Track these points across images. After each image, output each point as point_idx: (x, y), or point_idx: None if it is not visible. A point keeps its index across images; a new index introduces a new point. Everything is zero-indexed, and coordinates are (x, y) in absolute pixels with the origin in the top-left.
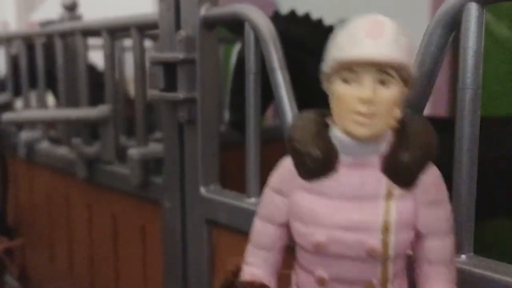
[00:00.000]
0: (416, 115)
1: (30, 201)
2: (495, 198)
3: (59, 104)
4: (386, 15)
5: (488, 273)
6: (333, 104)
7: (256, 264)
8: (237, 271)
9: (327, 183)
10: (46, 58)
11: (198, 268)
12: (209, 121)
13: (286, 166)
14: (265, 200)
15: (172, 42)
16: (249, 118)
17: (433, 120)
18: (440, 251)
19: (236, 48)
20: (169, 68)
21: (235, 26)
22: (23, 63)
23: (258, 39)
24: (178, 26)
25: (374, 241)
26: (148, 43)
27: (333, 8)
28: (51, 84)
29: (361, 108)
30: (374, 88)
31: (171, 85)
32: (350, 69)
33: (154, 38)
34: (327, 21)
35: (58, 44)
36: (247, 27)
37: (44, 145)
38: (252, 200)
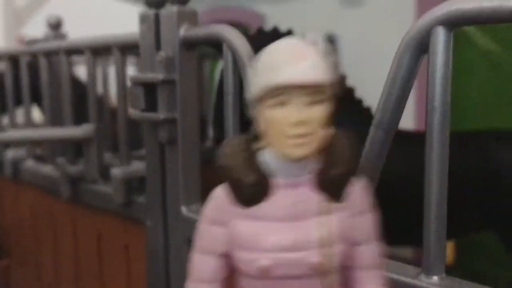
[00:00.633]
0: (340, 131)
1: (16, 219)
2: (482, 212)
3: (45, 119)
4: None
5: None
6: (265, 129)
7: None
8: None
9: (263, 207)
10: (31, 73)
11: (181, 287)
12: (190, 141)
13: (219, 195)
14: (202, 232)
15: (152, 62)
16: (228, 137)
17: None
18: (371, 256)
19: (220, 64)
20: (150, 89)
21: (217, 44)
22: (8, 81)
23: (236, 60)
24: (158, 47)
25: (314, 257)
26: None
27: (320, 21)
28: (37, 98)
29: (295, 131)
30: (304, 109)
31: (151, 105)
32: (278, 93)
33: (137, 54)
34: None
35: (43, 63)
36: (225, 48)
37: (30, 163)
38: None
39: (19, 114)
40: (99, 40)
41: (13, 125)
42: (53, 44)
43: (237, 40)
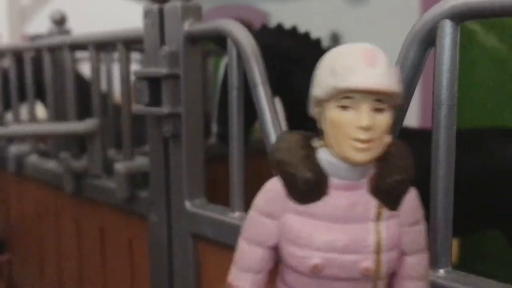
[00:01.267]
0: (397, 141)
1: (20, 215)
2: (485, 211)
3: (49, 115)
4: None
5: None
6: (328, 130)
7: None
8: None
9: (319, 205)
10: (35, 69)
11: (184, 281)
12: (194, 135)
13: (274, 188)
14: (252, 222)
15: (156, 57)
16: (232, 133)
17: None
18: (420, 267)
19: (224, 61)
20: (154, 83)
21: (221, 40)
22: (13, 76)
23: (240, 54)
24: (162, 41)
25: (367, 262)
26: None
27: (324, 19)
28: (41, 94)
29: (361, 135)
30: (372, 115)
31: (156, 100)
32: (347, 96)
33: (143, 51)
34: (316, 33)
35: (47, 58)
36: (229, 43)
37: (33, 159)
38: (236, 214)
39: (23, 111)
40: (103, 35)
41: (17, 121)
42: (57, 39)
43: (242, 35)
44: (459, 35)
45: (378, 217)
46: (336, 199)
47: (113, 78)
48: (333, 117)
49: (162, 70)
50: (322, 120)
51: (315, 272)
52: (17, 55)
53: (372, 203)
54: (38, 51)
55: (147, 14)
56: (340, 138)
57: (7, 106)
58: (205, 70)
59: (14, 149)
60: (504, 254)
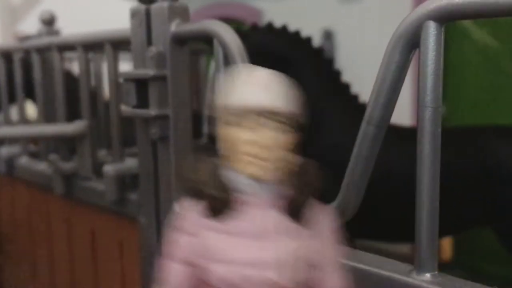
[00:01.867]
0: (305, 160)
1: (11, 216)
2: (479, 208)
3: (38, 116)
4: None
5: None
6: (223, 147)
7: None
8: None
9: (232, 222)
10: (25, 68)
11: None
12: (182, 137)
13: (191, 207)
14: (173, 241)
15: (144, 58)
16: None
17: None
18: (332, 284)
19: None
20: (141, 85)
21: (209, 40)
22: (2, 78)
23: (227, 55)
24: (149, 42)
25: (276, 276)
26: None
27: (317, 17)
28: (32, 94)
29: (246, 149)
30: (256, 130)
31: (143, 102)
32: (234, 114)
33: None
34: (309, 31)
35: (35, 59)
36: (215, 44)
37: (24, 160)
38: None
39: (14, 111)
40: (91, 36)
41: (8, 121)
42: (46, 40)
43: (228, 36)
44: (443, 36)
45: (287, 234)
46: (247, 216)
47: (103, 78)
48: (224, 134)
49: (149, 71)
50: (220, 138)
51: (226, 286)
52: (6, 55)
53: (280, 220)
54: (27, 52)
55: (134, 14)
56: (232, 153)
57: None
58: (197, 69)
59: (4, 151)
60: (501, 251)
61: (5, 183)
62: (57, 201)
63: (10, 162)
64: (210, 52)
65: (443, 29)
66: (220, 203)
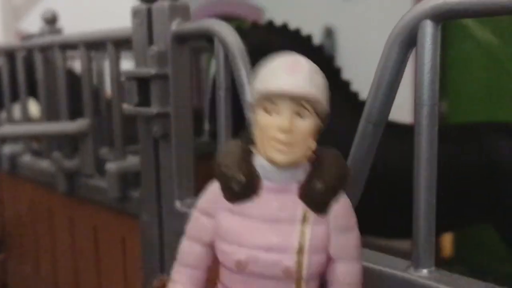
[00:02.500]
0: (330, 149)
1: (14, 214)
2: (480, 205)
3: (41, 114)
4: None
5: None
6: (256, 132)
7: (182, 281)
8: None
9: (249, 206)
10: (28, 67)
11: None
12: (183, 135)
13: (212, 189)
14: (193, 221)
15: (145, 57)
16: (220, 133)
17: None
18: (350, 275)
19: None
20: (143, 83)
21: (210, 38)
22: (5, 76)
23: (227, 55)
24: (151, 41)
25: (289, 261)
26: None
27: (318, 14)
28: (35, 92)
29: (280, 137)
30: (291, 119)
31: (145, 100)
32: (271, 100)
33: None
34: (310, 28)
35: (38, 58)
36: (216, 43)
37: (27, 158)
38: None
39: (17, 109)
40: (93, 34)
41: (11, 120)
42: (48, 39)
43: (228, 34)
44: (439, 35)
45: (304, 220)
46: (265, 200)
47: (105, 76)
48: (258, 120)
49: (151, 70)
50: (254, 124)
51: (239, 267)
52: (9, 54)
53: (299, 206)
54: (29, 51)
55: (135, 13)
56: (264, 139)
57: (0, 105)
58: (199, 67)
59: (7, 149)
60: (501, 247)
61: (9, 181)
62: (60, 199)
63: (13, 160)
64: (211, 51)
65: (439, 28)
66: (241, 187)
